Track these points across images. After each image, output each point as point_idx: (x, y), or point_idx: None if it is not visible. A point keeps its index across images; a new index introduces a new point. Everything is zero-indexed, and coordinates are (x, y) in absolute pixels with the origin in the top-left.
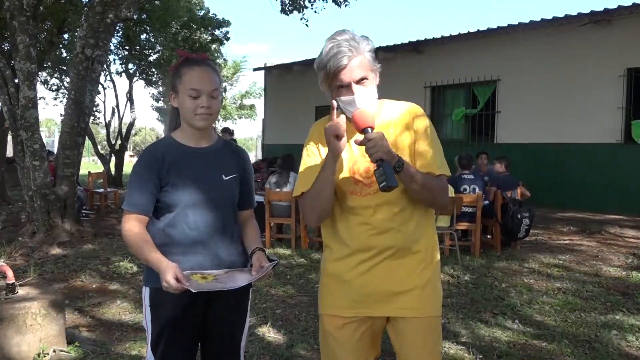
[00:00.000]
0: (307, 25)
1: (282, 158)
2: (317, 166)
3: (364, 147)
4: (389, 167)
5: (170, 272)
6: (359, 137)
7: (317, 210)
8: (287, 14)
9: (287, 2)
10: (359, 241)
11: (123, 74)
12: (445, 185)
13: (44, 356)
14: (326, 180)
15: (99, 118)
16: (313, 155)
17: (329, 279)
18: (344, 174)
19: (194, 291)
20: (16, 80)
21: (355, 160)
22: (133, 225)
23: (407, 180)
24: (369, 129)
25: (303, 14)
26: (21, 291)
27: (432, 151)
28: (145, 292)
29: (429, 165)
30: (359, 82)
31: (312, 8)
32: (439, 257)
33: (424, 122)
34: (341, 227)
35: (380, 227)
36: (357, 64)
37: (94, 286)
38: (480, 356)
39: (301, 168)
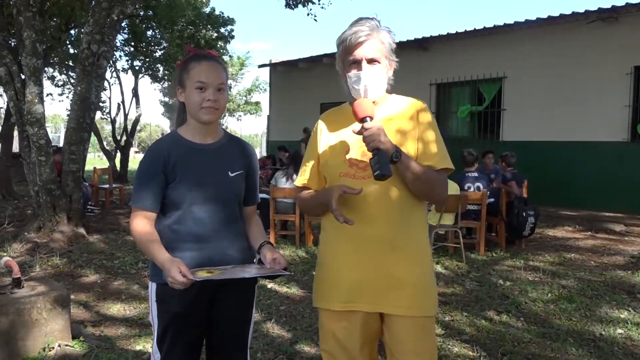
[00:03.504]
0: (315, 19)
1: (289, 156)
2: (310, 157)
3: None
4: (383, 157)
5: (174, 267)
6: (358, 126)
7: (305, 212)
8: (292, 8)
9: None
10: (347, 228)
11: (129, 71)
12: (445, 180)
13: (49, 350)
14: (316, 209)
15: (108, 112)
16: (310, 146)
17: (322, 268)
18: (339, 156)
19: (199, 280)
20: (22, 76)
21: (352, 143)
22: (141, 223)
23: (403, 171)
24: (368, 119)
25: (310, 9)
26: (27, 286)
27: (435, 145)
28: (152, 287)
29: (431, 158)
30: (371, 62)
31: (318, 3)
32: (430, 253)
33: (427, 116)
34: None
35: (368, 214)
36: (373, 45)
37: (99, 281)
38: (485, 354)
39: (304, 157)
